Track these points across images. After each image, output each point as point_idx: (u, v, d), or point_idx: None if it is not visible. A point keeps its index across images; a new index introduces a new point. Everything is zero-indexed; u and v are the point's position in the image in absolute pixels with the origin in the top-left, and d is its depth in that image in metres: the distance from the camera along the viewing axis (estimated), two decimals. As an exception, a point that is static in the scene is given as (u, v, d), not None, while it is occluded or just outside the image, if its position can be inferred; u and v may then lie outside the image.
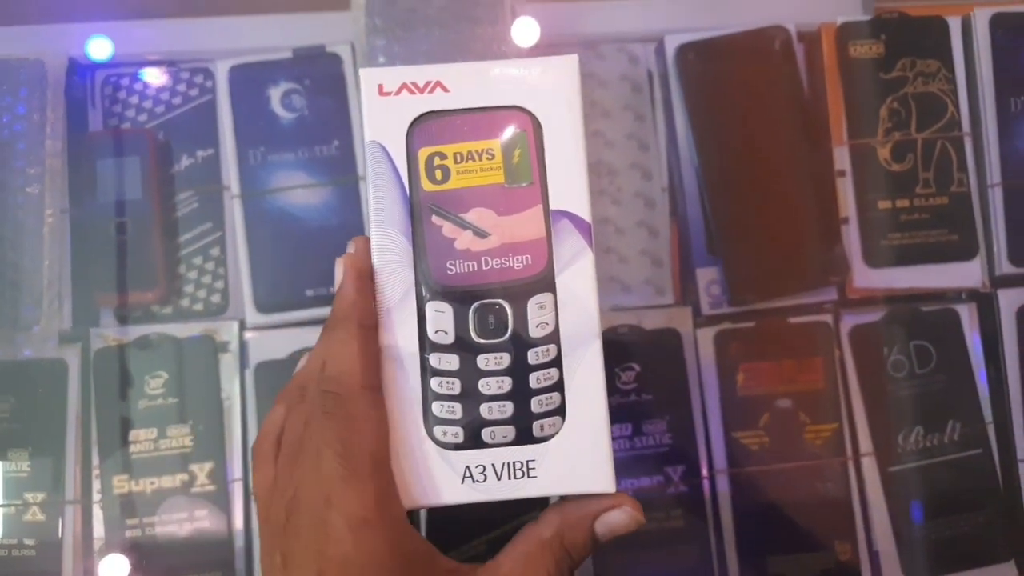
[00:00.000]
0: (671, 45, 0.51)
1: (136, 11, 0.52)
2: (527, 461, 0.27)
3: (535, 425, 0.27)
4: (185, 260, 0.50)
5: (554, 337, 0.27)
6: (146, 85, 0.51)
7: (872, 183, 0.51)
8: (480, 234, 0.27)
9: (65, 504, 0.46)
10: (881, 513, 0.49)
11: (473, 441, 0.27)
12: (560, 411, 0.27)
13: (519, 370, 0.27)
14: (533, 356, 0.27)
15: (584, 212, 0.27)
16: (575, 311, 0.27)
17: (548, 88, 0.28)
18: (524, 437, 0.27)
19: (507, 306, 0.27)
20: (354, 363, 0.26)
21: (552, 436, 0.27)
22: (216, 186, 0.51)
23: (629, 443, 0.48)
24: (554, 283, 0.27)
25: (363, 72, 0.28)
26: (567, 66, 0.28)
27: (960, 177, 0.52)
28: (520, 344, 0.27)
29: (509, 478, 0.27)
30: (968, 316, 0.51)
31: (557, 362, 0.27)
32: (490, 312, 0.27)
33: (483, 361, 0.27)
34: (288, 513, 0.25)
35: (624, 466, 0.48)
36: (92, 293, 0.49)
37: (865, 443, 0.50)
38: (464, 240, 0.27)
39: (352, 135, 0.50)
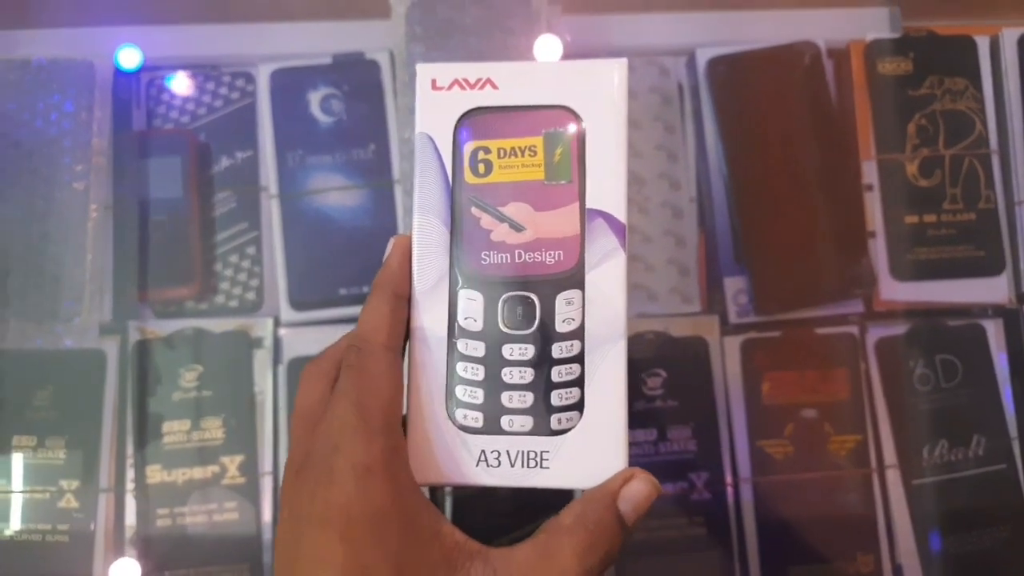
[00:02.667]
0: (702, 58, 0.52)
1: (182, 16, 0.54)
2: (541, 452, 0.27)
3: (553, 418, 0.27)
4: (222, 258, 0.51)
5: (579, 333, 0.27)
6: (189, 88, 0.53)
7: (899, 198, 0.52)
8: (516, 228, 0.28)
9: (99, 492, 0.47)
10: (904, 526, 0.49)
11: (492, 427, 0.27)
12: (579, 406, 0.27)
13: (543, 363, 0.27)
14: (557, 350, 0.27)
15: (620, 213, 0.27)
16: (602, 309, 0.27)
17: (594, 90, 0.28)
18: (541, 428, 0.27)
19: (536, 299, 0.27)
20: (381, 324, 0.26)
21: (569, 430, 0.27)
22: (254, 187, 0.52)
23: (653, 448, 0.49)
24: (583, 280, 0.27)
25: (418, 67, 0.29)
26: (615, 69, 0.28)
27: (987, 194, 0.52)
28: (546, 337, 0.27)
29: (522, 466, 0.27)
30: (994, 332, 0.51)
31: (580, 358, 0.27)
32: (519, 304, 0.28)
33: (508, 351, 0.27)
34: (299, 467, 0.25)
35: (648, 471, 0.49)
36: (131, 287, 0.50)
37: (889, 455, 0.50)
38: (500, 232, 0.28)
39: (388, 139, 0.52)
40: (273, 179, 0.51)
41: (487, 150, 0.28)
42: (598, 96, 0.28)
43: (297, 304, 0.50)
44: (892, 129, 0.52)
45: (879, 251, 0.51)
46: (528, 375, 0.27)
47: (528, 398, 0.27)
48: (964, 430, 0.50)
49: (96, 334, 0.49)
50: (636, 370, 0.50)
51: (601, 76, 0.28)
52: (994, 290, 0.51)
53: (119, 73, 0.52)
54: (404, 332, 0.27)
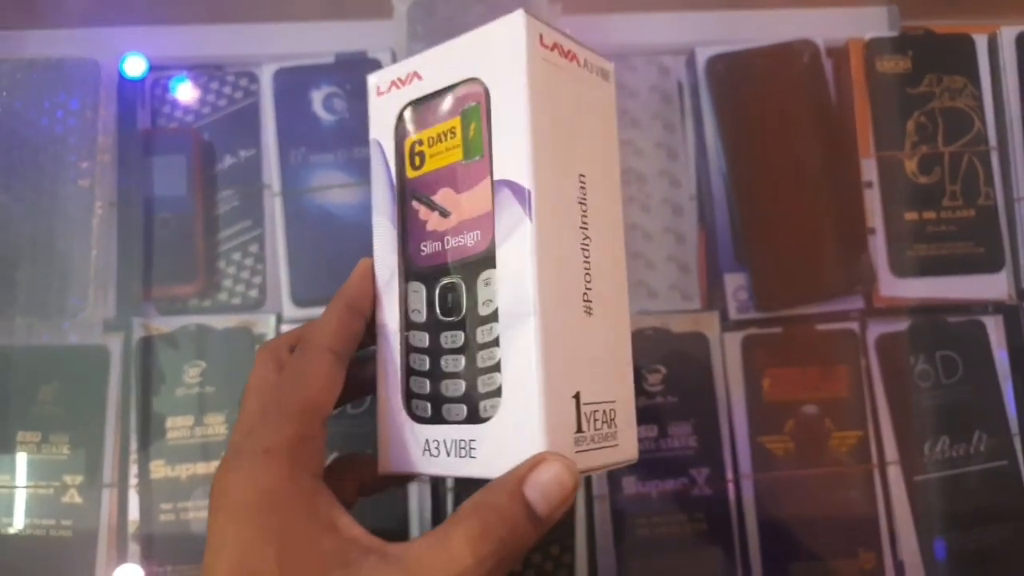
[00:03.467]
0: (702, 57, 0.53)
1: (186, 17, 0.54)
2: (470, 441, 0.26)
3: (480, 405, 0.26)
4: (225, 255, 0.52)
5: (496, 315, 0.25)
6: (193, 87, 0.53)
7: (899, 195, 0.52)
8: (444, 213, 0.27)
9: (102, 488, 0.47)
10: (906, 523, 0.49)
11: (436, 416, 0.27)
12: (499, 392, 0.25)
13: (470, 349, 0.26)
14: (480, 335, 0.26)
15: (524, 178, 0.25)
16: (513, 286, 0.25)
17: (495, 52, 0.26)
18: (472, 416, 0.26)
19: (463, 284, 0.26)
20: (327, 328, 0.27)
21: (491, 418, 0.25)
22: (257, 185, 0.52)
23: (654, 445, 0.49)
24: (495, 258, 0.25)
25: (368, 77, 0.29)
26: (511, 24, 0.25)
27: (987, 191, 0.52)
28: (472, 322, 0.26)
29: (457, 456, 0.26)
30: (994, 328, 0.51)
31: (498, 341, 0.25)
32: (450, 291, 0.27)
33: (444, 339, 0.27)
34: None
35: (649, 467, 0.49)
36: (136, 284, 0.50)
37: (891, 452, 0.50)
38: (433, 221, 0.28)
39: (390, 138, 0.52)
40: (276, 177, 0.52)
41: (420, 142, 0.28)
42: (499, 58, 0.26)
43: (299, 301, 0.50)
44: (891, 127, 0.53)
45: (879, 248, 0.52)
46: (460, 363, 0.26)
47: (461, 386, 0.26)
48: (965, 426, 0.50)
49: (100, 330, 0.49)
50: (637, 367, 0.50)
51: (500, 36, 0.26)
52: (994, 286, 0.52)
53: (124, 78, 0.53)
54: (351, 339, 0.27)
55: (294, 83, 0.53)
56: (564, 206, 0.26)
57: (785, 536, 0.49)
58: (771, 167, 0.52)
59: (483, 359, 0.26)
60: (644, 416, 0.49)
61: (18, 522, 0.47)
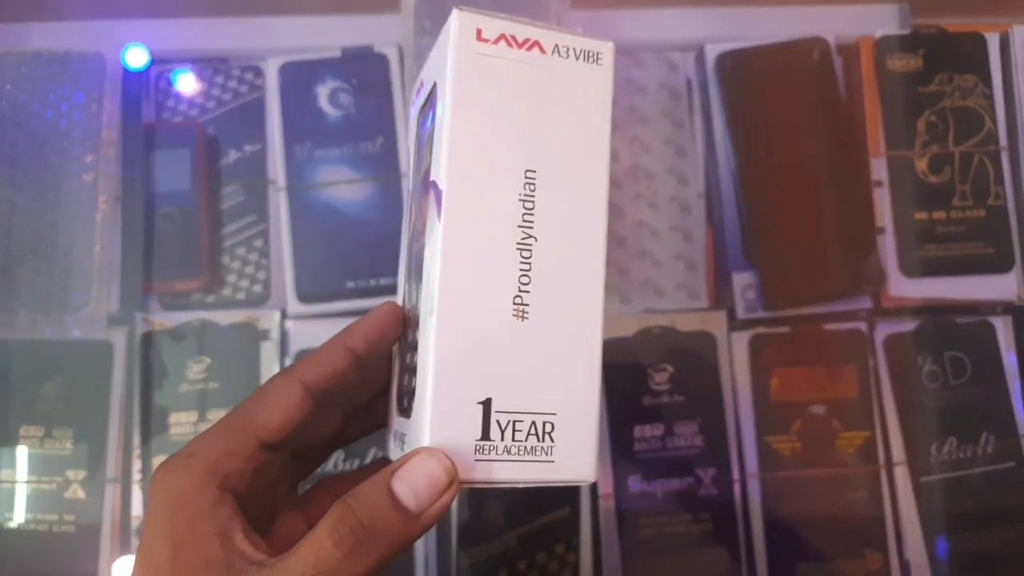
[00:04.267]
0: (711, 53, 0.52)
1: (191, 10, 0.54)
2: (403, 434, 0.26)
3: (407, 400, 0.26)
4: (229, 250, 0.51)
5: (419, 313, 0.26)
6: (198, 81, 0.53)
7: (909, 194, 0.52)
8: (414, 217, 0.28)
9: (105, 483, 0.47)
10: (913, 523, 0.49)
11: (401, 409, 0.27)
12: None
13: (413, 346, 0.26)
14: (411, 333, 0.27)
15: (440, 178, 0.24)
16: (427, 286, 0.25)
17: (439, 51, 0.25)
18: (406, 411, 0.26)
19: (423, 284, 0.26)
20: (310, 358, 0.27)
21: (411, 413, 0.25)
22: (262, 179, 0.52)
23: (660, 444, 0.49)
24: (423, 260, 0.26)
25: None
26: (451, 22, 0.25)
27: (997, 191, 0.52)
28: (417, 321, 0.26)
29: (399, 448, 0.26)
30: (1003, 329, 0.51)
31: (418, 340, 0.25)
32: (416, 289, 0.27)
33: (409, 335, 0.27)
34: None
35: (654, 467, 0.49)
36: (139, 279, 0.50)
37: (898, 452, 0.49)
38: (418, 223, 0.28)
39: (395, 133, 0.52)
40: (281, 172, 0.51)
41: (423, 143, 0.28)
42: (441, 58, 0.25)
43: (304, 297, 0.50)
44: (901, 126, 0.52)
45: (888, 247, 0.51)
46: (411, 359, 0.26)
47: (411, 382, 0.26)
48: (973, 427, 0.50)
49: (104, 325, 0.49)
50: (643, 365, 0.50)
51: (443, 35, 0.25)
52: (1003, 287, 0.51)
53: (129, 72, 0.52)
54: (331, 376, 0.27)
55: (300, 77, 0.52)
56: (492, 205, 0.25)
57: (791, 536, 0.49)
58: (780, 165, 0.52)
59: (410, 356, 0.26)
60: (650, 415, 0.49)
61: (21, 517, 0.47)
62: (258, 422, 0.25)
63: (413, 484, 0.22)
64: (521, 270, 0.25)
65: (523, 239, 0.25)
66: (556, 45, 0.26)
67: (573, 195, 0.26)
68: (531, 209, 0.25)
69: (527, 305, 0.25)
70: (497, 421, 0.24)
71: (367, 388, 0.29)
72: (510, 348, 0.24)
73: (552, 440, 0.25)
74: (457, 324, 0.24)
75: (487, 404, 0.24)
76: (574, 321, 0.25)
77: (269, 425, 0.25)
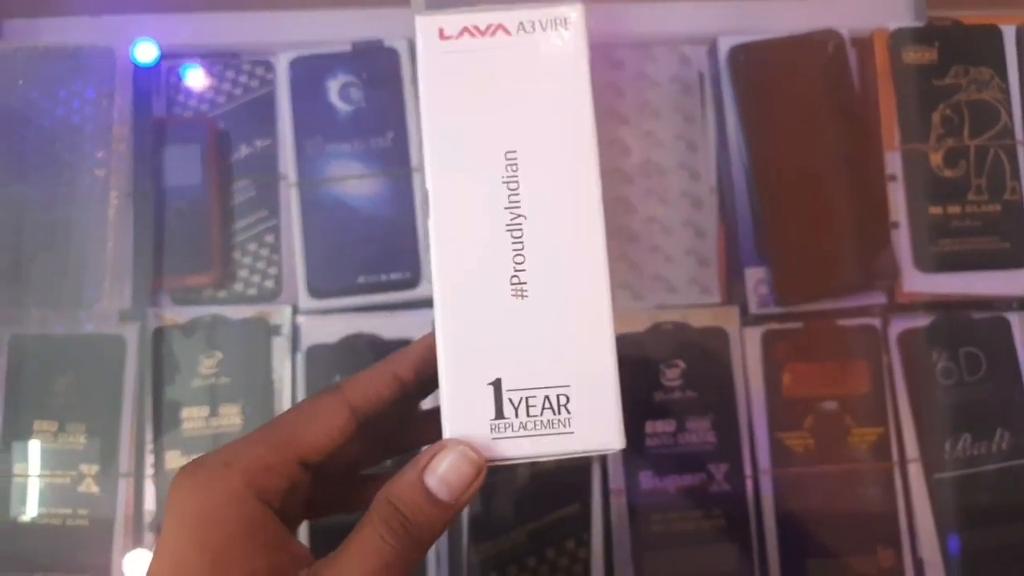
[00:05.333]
0: (724, 46, 0.52)
1: (201, 5, 0.54)
2: None
3: None
4: (240, 246, 0.51)
5: None
6: (209, 76, 0.53)
7: (923, 188, 0.51)
8: None
9: (118, 477, 0.47)
10: (926, 520, 0.48)
11: None
12: None
13: None
14: None
15: (427, 181, 0.26)
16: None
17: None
18: None
19: None
20: (356, 380, 0.27)
21: None
22: (272, 175, 0.52)
23: (672, 439, 0.49)
24: None
25: None
26: (416, 29, 0.26)
27: (1013, 185, 0.51)
28: None
29: None
30: (1019, 325, 0.51)
31: None
32: None
33: None
34: None
35: (666, 463, 0.48)
36: (151, 274, 0.50)
37: (911, 449, 0.49)
38: None
39: (406, 127, 0.52)
40: (292, 167, 0.51)
41: None
42: None
43: (315, 292, 0.50)
44: (916, 119, 0.52)
45: (902, 242, 0.51)
46: None
47: None
48: (987, 424, 0.49)
49: (116, 320, 0.49)
50: (655, 361, 0.49)
51: None
52: (1019, 282, 0.51)
53: (139, 67, 0.52)
54: (375, 399, 0.27)
55: (310, 72, 0.52)
56: (475, 195, 0.25)
57: (803, 532, 0.48)
58: (793, 159, 0.51)
59: None
60: (662, 411, 0.49)
61: (35, 511, 0.47)
62: (302, 439, 0.25)
63: (444, 477, 0.23)
64: (514, 250, 0.25)
65: (512, 220, 0.25)
66: (520, 23, 0.26)
67: (558, 166, 0.26)
68: (516, 189, 0.25)
69: (524, 284, 0.25)
70: (510, 399, 0.25)
71: (401, 418, 0.30)
72: (513, 328, 0.25)
73: (569, 412, 0.25)
74: (457, 313, 0.25)
75: (497, 384, 0.25)
76: (576, 292, 0.26)
77: (314, 444, 0.25)
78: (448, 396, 0.25)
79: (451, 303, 0.25)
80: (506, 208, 0.25)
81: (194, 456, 0.46)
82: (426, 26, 0.25)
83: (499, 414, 0.25)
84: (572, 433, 0.25)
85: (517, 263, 0.25)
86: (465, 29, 0.26)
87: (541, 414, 0.25)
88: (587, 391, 0.25)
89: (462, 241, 0.25)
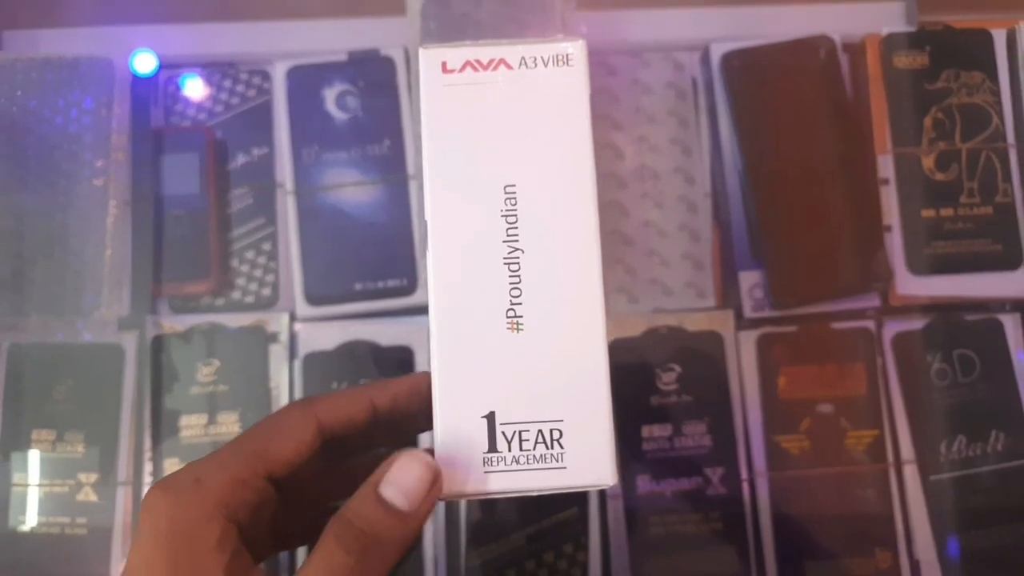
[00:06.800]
0: (717, 53, 0.52)
1: (199, 15, 0.54)
2: None
3: None
4: (238, 254, 0.52)
5: None
6: (206, 85, 0.53)
7: (916, 192, 0.52)
8: None
9: (117, 485, 0.47)
10: (922, 522, 0.49)
11: None
12: None
13: None
14: None
15: (426, 213, 0.26)
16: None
17: None
18: None
19: None
20: (329, 397, 0.27)
21: None
22: (270, 183, 0.52)
23: (668, 444, 0.49)
24: None
25: None
26: (419, 61, 0.27)
27: (1005, 187, 0.52)
28: None
29: None
30: (1012, 326, 0.51)
31: None
32: None
33: None
34: None
35: (663, 466, 0.49)
36: (149, 282, 0.50)
37: (907, 451, 0.49)
38: None
39: (403, 135, 0.52)
40: (289, 175, 0.52)
41: None
42: None
43: (313, 299, 0.50)
44: (908, 123, 0.52)
45: (895, 245, 0.51)
46: None
47: None
48: (982, 426, 0.50)
49: (115, 329, 0.49)
50: (651, 365, 0.50)
51: None
52: (1012, 284, 0.51)
53: (137, 76, 0.53)
54: (346, 421, 0.27)
55: (307, 81, 0.52)
56: (473, 228, 0.26)
57: (800, 535, 0.48)
58: (787, 164, 0.51)
59: None
60: (658, 415, 0.49)
61: (34, 520, 0.47)
62: (269, 452, 0.25)
63: (401, 487, 0.23)
64: (511, 283, 0.25)
65: (509, 253, 0.25)
66: (522, 58, 0.26)
67: (557, 201, 0.26)
68: (514, 223, 0.25)
69: (521, 317, 0.25)
70: (503, 433, 0.25)
71: (367, 447, 0.29)
72: (508, 361, 0.25)
73: (561, 446, 0.25)
74: (452, 345, 0.25)
75: (491, 417, 0.25)
76: (572, 326, 0.25)
77: (280, 457, 0.25)
78: (441, 428, 0.25)
79: (447, 335, 0.25)
80: (504, 241, 0.26)
81: (193, 463, 0.46)
82: (430, 59, 0.26)
83: (492, 447, 0.25)
84: (565, 468, 0.25)
85: (514, 296, 0.25)
86: (468, 63, 0.26)
87: (534, 448, 0.25)
88: (581, 426, 0.25)
89: (459, 273, 0.25)
